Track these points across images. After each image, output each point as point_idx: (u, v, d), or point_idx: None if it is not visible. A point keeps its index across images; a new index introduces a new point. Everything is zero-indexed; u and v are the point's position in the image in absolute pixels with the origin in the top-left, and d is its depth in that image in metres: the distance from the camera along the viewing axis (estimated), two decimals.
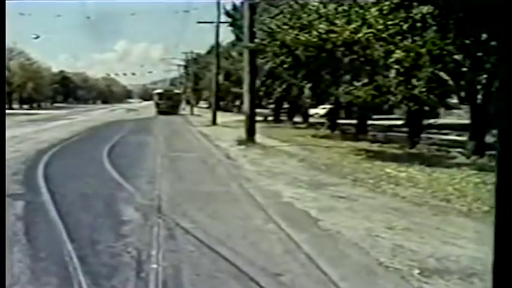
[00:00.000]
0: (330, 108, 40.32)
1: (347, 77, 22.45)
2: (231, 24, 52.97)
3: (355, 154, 21.68)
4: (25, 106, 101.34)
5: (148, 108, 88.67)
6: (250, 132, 25.44)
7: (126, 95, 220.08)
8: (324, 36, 18.77)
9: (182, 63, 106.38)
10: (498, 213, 2.30)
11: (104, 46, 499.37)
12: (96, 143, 25.90)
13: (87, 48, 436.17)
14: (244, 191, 13.21)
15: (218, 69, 47.32)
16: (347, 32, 18.35)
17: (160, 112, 66.61)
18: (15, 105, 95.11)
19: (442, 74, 18.65)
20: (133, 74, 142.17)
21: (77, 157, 20.25)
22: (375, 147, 25.16)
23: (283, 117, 51.47)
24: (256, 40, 23.84)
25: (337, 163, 18.67)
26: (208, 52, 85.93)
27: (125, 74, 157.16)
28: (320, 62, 20.48)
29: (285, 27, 20.01)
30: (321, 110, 52.38)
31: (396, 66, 17.66)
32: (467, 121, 22.42)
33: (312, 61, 20.43)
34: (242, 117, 57.32)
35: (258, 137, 26.15)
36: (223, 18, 49.60)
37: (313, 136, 32.00)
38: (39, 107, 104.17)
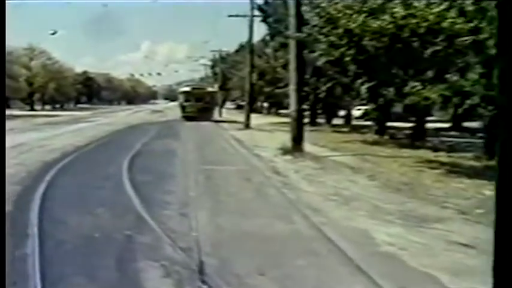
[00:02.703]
0: (378, 111, 36.06)
1: (428, 74, 18.34)
2: (264, 20, 48.88)
3: (429, 167, 17.78)
4: (47, 107, 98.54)
5: (174, 110, 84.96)
6: (297, 139, 21.47)
7: (151, 95, 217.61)
8: (401, 22, 14.80)
9: (209, 62, 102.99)
10: (498, 213, 2.27)
11: (128, 47, 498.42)
12: (116, 152, 22.14)
13: (111, 49, 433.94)
14: (317, 231, 9.29)
15: (252, 68, 43.08)
16: (431, 17, 14.38)
17: (188, 118, 50.45)
18: (37, 107, 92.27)
19: None
20: (158, 74, 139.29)
21: (90, 173, 16.35)
22: (443, 157, 21.10)
23: (318, 120, 47.52)
24: (306, 30, 19.99)
25: (417, 181, 14.76)
26: (237, 51, 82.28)
27: (150, 74, 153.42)
28: (392, 54, 16.46)
29: (349, 11, 16.04)
30: (356, 111, 48.54)
31: None
32: None
33: (381, 53, 16.45)
34: (276, 119, 54.02)
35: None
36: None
37: (363, 142, 28.08)
38: (62, 108, 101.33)
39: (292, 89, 21.70)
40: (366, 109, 43.11)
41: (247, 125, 40.48)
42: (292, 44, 21.67)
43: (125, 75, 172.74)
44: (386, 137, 32.03)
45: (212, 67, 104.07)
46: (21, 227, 9.15)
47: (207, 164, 18.38)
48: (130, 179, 14.47)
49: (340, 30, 16.46)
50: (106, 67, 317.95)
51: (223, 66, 79.56)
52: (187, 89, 57.70)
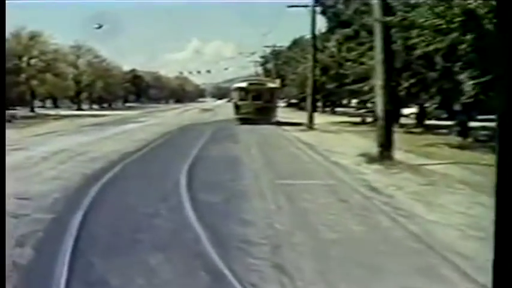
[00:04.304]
0: (462, 109, 32.13)
1: None
2: (323, 12, 45.33)
3: None
4: (95, 106, 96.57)
5: (223, 108, 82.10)
6: (386, 145, 17.98)
7: (198, 94, 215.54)
8: None
9: (259, 59, 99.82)
10: (498, 213, 2.29)
11: (176, 45, 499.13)
12: (170, 160, 18.99)
13: (159, 48, 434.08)
14: None
15: (315, 63, 39.36)
16: None
17: (243, 120, 41.71)
18: (84, 106, 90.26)
19: None
20: (208, 71, 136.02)
21: (140, 191, 13.04)
22: None
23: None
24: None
25: None
26: (290, 47, 78.96)
27: (199, 72, 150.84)
28: None
29: None
30: (416, 109, 44.48)
31: None
32: None
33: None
34: (335, 119, 50.35)
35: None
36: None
37: (448, 146, 24.32)
38: (110, 107, 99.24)
39: (378, 85, 18.17)
40: (425, 107, 39.37)
41: (310, 126, 36.90)
42: (377, 31, 18.13)
43: (173, 73, 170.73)
44: (469, 139, 28.20)
45: (262, 64, 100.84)
46: None
47: (282, 176, 15.02)
48: (192, 201, 11.22)
49: (457, 11, 12.87)
50: (154, 66, 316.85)
51: (276, 63, 76.04)
52: (243, 84, 46.84)
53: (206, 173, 15.73)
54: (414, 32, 17.49)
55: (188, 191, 12.48)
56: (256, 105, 43.19)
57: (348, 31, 37.87)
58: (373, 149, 19.26)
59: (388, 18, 16.86)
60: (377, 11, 18.05)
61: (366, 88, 32.91)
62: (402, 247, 8.22)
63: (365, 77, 34.28)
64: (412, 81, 27.42)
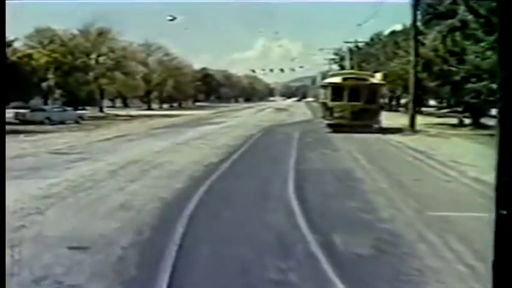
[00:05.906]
0: None
1: None
2: (415, 5, 40.79)
3: None
4: (165, 106, 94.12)
5: (298, 108, 78.33)
6: None
7: (268, 92, 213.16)
8: None
9: (334, 56, 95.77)
10: (498, 213, 2.27)
11: (243, 45, 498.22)
12: (267, 174, 15.19)
13: (227, 48, 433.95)
14: None
15: (417, 57, 34.04)
16: None
17: (336, 126, 32.22)
18: (154, 105, 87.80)
19: None
20: (281, 70, 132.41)
21: (242, 230, 9.00)
22: None
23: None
24: None
25: None
26: (368, 43, 74.95)
27: (271, 70, 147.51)
28: None
29: None
30: None
31: None
32: None
33: None
34: (427, 120, 45.50)
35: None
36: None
37: None
38: (180, 107, 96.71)
39: None
40: None
41: (413, 129, 32.44)
42: None
43: (241, 72, 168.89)
44: None
45: (335, 61, 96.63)
46: None
47: (429, 205, 10.89)
48: (328, 254, 7.34)
49: None
50: (221, 65, 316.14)
51: (358, 61, 71.59)
52: (336, 79, 35.88)
53: (323, 197, 11.78)
54: None
55: (313, 232, 8.59)
56: (354, 107, 32.94)
57: (452, 22, 33.14)
58: None
59: None
60: None
61: (494, 86, 28.30)
62: None
63: (473, 74, 30.10)
64: None
